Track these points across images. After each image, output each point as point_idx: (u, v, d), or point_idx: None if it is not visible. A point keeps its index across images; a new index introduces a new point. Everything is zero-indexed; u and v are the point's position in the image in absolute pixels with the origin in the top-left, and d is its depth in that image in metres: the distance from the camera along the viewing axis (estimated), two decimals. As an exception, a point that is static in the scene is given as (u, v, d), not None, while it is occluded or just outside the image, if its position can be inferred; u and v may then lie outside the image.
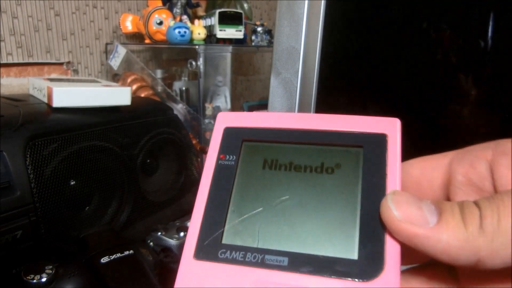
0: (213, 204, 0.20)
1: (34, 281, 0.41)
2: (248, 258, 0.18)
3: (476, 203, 0.16)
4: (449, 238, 0.15)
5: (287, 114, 0.22)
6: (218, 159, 0.21)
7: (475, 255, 0.15)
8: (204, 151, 0.90)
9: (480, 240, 0.15)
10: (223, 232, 0.19)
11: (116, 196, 0.61)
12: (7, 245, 0.47)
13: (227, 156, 0.21)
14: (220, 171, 0.21)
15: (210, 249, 0.19)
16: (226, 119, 0.22)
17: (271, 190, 0.20)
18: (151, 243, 0.62)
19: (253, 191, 0.20)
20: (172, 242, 0.62)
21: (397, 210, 0.16)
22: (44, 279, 0.41)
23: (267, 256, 0.18)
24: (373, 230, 0.17)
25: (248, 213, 0.19)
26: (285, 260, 0.18)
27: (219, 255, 0.18)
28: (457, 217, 0.16)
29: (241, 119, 0.22)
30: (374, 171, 0.19)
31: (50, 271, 0.42)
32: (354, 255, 0.17)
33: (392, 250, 0.17)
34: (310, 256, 0.18)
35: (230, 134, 0.22)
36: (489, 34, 0.43)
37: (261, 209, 0.19)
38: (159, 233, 0.63)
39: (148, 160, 0.67)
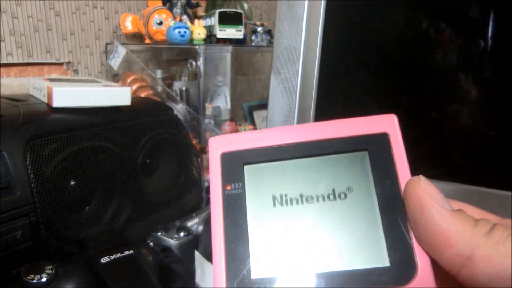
0: (232, 239, 0.19)
1: (34, 281, 0.41)
2: (285, 286, 0.18)
3: (492, 222, 0.16)
4: (456, 223, 0.16)
5: (283, 128, 0.21)
6: (224, 189, 0.20)
7: (470, 250, 0.15)
8: (204, 151, 0.90)
9: (482, 240, 0.15)
10: (250, 266, 0.18)
11: (116, 196, 0.61)
12: (7, 245, 0.47)
13: (233, 185, 0.20)
14: (229, 202, 0.20)
15: (242, 287, 0.18)
16: (221, 144, 0.21)
17: (287, 210, 0.19)
18: (151, 243, 0.62)
19: (269, 216, 0.19)
20: (172, 242, 0.62)
21: (424, 183, 0.17)
22: (44, 279, 0.41)
23: (303, 282, 0.18)
24: (399, 234, 0.18)
25: (270, 239, 0.19)
26: (322, 282, 0.17)
27: None
28: (471, 218, 0.16)
29: (236, 141, 0.21)
30: (385, 174, 0.19)
31: (50, 271, 0.42)
32: (386, 263, 0.17)
33: (421, 250, 0.17)
34: (344, 273, 0.17)
35: (229, 159, 0.21)
36: (489, 34, 0.43)
37: (282, 231, 0.19)
38: (159, 233, 0.63)
39: (148, 160, 0.67)
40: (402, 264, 0.17)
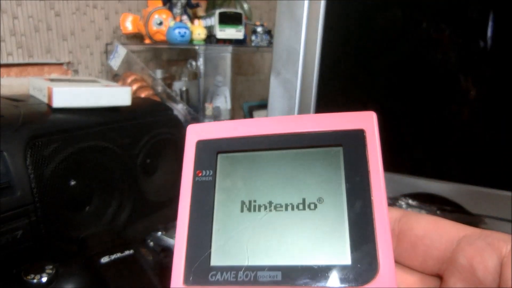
0: (196, 225, 0.19)
1: (34, 281, 0.41)
2: (240, 277, 0.18)
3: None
4: None
5: (260, 119, 0.21)
6: (195, 175, 0.20)
7: None
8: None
9: None
10: (210, 253, 0.18)
11: (116, 196, 0.61)
12: (7, 245, 0.47)
13: (204, 172, 0.20)
14: (199, 188, 0.20)
15: (199, 273, 0.18)
16: (197, 132, 0.21)
17: (254, 203, 0.19)
18: (151, 243, 0.62)
19: (236, 206, 0.19)
20: (172, 242, 0.62)
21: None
22: (44, 279, 0.42)
23: (259, 273, 0.17)
24: (363, 232, 0.17)
25: (234, 230, 0.19)
26: (278, 275, 0.17)
27: (209, 278, 0.18)
28: None
29: (212, 130, 0.21)
30: (356, 169, 0.18)
31: (50, 271, 0.42)
32: (348, 260, 0.17)
33: (385, 250, 0.17)
34: (303, 267, 0.17)
35: (204, 147, 0.21)
36: (489, 34, 0.43)
37: (246, 223, 0.19)
38: (159, 233, 0.63)
39: (148, 160, 0.67)
40: (364, 263, 0.17)
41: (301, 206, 0.18)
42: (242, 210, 0.19)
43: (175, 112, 0.77)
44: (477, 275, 0.17)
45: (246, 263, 0.18)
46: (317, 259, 0.17)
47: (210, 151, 0.21)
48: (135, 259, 0.48)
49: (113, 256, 0.47)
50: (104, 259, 0.47)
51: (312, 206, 0.18)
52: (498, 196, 0.44)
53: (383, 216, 0.17)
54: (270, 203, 0.19)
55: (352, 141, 0.19)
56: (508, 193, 0.43)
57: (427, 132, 0.48)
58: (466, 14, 0.44)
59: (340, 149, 0.19)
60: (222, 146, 0.21)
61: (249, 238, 0.18)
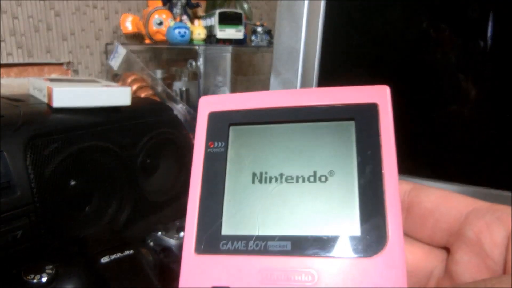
0: (207, 195, 0.19)
1: (34, 281, 0.41)
2: (251, 246, 0.18)
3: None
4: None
5: (273, 92, 0.21)
6: (207, 147, 0.20)
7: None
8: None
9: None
10: (221, 223, 0.19)
11: (116, 196, 0.61)
12: (7, 245, 0.47)
13: (216, 143, 0.20)
14: (210, 159, 0.20)
15: (210, 242, 0.18)
16: (210, 104, 0.21)
17: (265, 174, 0.19)
18: (151, 243, 0.62)
19: (247, 177, 0.19)
20: (172, 242, 0.62)
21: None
22: (44, 279, 0.42)
23: (269, 243, 0.18)
24: (373, 204, 0.17)
25: (245, 201, 0.19)
26: (288, 245, 0.17)
27: (220, 247, 0.18)
28: None
29: (225, 102, 0.21)
30: (368, 143, 0.18)
31: (50, 271, 0.42)
32: (357, 232, 0.17)
33: (394, 223, 0.17)
34: (313, 237, 0.17)
35: (216, 119, 0.21)
36: (489, 34, 0.43)
37: (257, 194, 0.19)
38: (159, 233, 0.63)
39: (148, 160, 0.67)
40: (373, 234, 0.17)
41: (312, 179, 0.19)
42: (253, 182, 0.19)
43: (175, 112, 0.77)
44: (484, 248, 0.17)
45: (256, 232, 0.18)
46: (326, 230, 0.17)
47: (222, 123, 0.21)
48: (135, 259, 0.48)
49: (113, 256, 0.47)
50: (104, 259, 0.47)
51: (323, 178, 0.18)
52: (498, 196, 0.44)
53: (393, 189, 0.17)
54: (281, 175, 0.19)
55: (365, 115, 0.19)
56: (508, 193, 0.43)
57: (427, 132, 0.48)
58: (466, 14, 0.44)
59: (353, 123, 0.19)
60: (234, 118, 0.21)
61: (260, 209, 0.19)
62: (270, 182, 0.19)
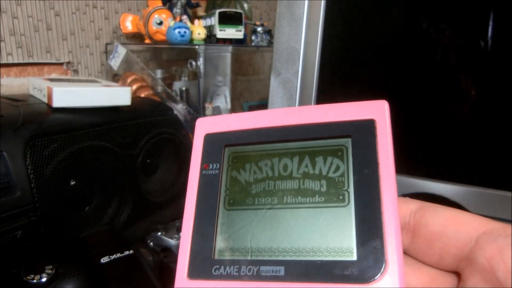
0: (201, 218, 0.19)
1: (34, 281, 0.41)
2: (243, 271, 0.17)
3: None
4: None
5: (269, 111, 0.20)
6: (202, 169, 0.20)
7: None
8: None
9: None
10: (214, 247, 0.18)
11: (116, 196, 0.61)
12: (7, 245, 0.47)
13: (211, 165, 0.20)
14: (205, 181, 0.20)
15: (203, 266, 0.18)
16: (206, 125, 0.21)
17: (259, 197, 0.19)
18: (151, 243, 0.62)
19: (241, 200, 0.19)
20: (172, 242, 0.62)
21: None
22: (44, 279, 0.42)
23: (262, 268, 0.17)
24: (371, 227, 0.16)
25: (238, 224, 0.18)
26: (281, 270, 0.17)
27: (213, 272, 0.18)
28: None
29: (221, 123, 0.21)
30: (365, 161, 0.18)
31: (50, 271, 0.42)
32: (353, 256, 0.16)
33: (393, 246, 0.16)
34: (306, 262, 0.17)
35: (212, 141, 0.21)
36: (489, 34, 0.43)
37: (251, 217, 0.18)
38: (159, 233, 0.63)
39: (148, 160, 0.67)
40: (370, 259, 0.16)
41: (306, 201, 0.18)
42: (247, 204, 0.19)
43: (175, 112, 0.77)
44: (498, 276, 0.15)
45: (249, 257, 0.18)
46: (321, 254, 0.17)
47: (217, 144, 0.20)
48: (135, 259, 0.48)
49: (113, 256, 0.47)
50: (104, 259, 0.47)
51: (318, 201, 0.18)
52: (498, 196, 0.44)
53: (392, 210, 0.17)
54: (275, 198, 0.19)
55: (362, 132, 0.18)
56: (508, 193, 0.43)
57: (427, 132, 0.48)
58: (466, 14, 0.44)
59: (349, 140, 0.18)
60: (230, 139, 0.20)
61: (253, 233, 0.18)
62: (264, 205, 0.19)
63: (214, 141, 0.21)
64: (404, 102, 0.50)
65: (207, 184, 0.20)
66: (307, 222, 0.18)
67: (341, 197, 0.18)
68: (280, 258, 0.17)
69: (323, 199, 0.18)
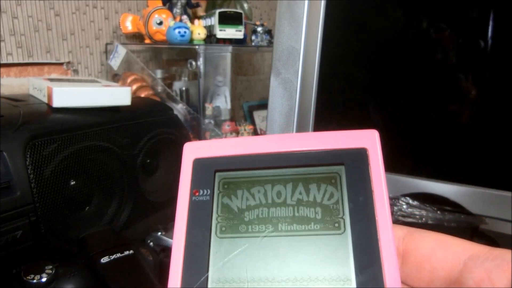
0: (192, 247, 0.18)
1: (34, 281, 0.41)
2: None
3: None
4: None
5: (260, 137, 0.20)
6: (192, 195, 0.19)
7: None
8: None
9: None
10: (207, 277, 0.18)
11: (116, 196, 0.61)
12: (7, 245, 0.47)
13: (201, 191, 0.19)
14: (195, 208, 0.19)
15: None
16: (194, 150, 0.20)
17: (253, 224, 0.18)
18: (151, 243, 0.62)
19: (234, 227, 0.18)
20: (172, 242, 0.62)
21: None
22: (44, 279, 0.41)
23: None
24: (368, 254, 0.17)
25: (232, 252, 0.18)
26: None
27: None
28: None
29: (210, 148, 0.20)
30: (360, 189, 0.18)
31: (50, 271, 0.42)
32: (352, 284, 0.16)
33: (391, 273, 0.16)
34: None
35: (201, 166, 0.20)
36: (489, 34, 0.43)
37: (245, 245, 0.18)
38: (159, 233, 0.63)
39: (148, 160, 0.67)
40: (369, 286, 0.16)
41: (302, 229, 0.18)
42: (241, 232, 0.18)
43: (175, 112, 0.77)
44: None
45: (245, 286, 0.17)
46: (319, 283, 0.17)
47: (207, 170, 0.20)
48: (135, 259, 0.48)
49: (113, 256, 0.47)
50: (104, 259, 0.46)
51: (314, 227, 0.18)
52: (498, 196, 0.44)
53: (388, 237, 0.17)
54: (271, 225, 0.18)
55: (355, 160, 0.18)
56: (508, 193, 0.43)
57: (428, 132, 0.48)
58: (466, 14, 0.44)
59: (342, 167, 0.18)
60: (220, 164, 0.20)
61: (248, 261, 0.18)
62: (259, 232, 0.18)
63: (203, 166, 0.20)
64: (404, 102, 0.50)
65: (198, 211, 0.19)
66: (304, 250, 0.17)
67: (336, 225, 0.18)
68: (279, 287, 0.17)
69: (318, 227, 0.18)
